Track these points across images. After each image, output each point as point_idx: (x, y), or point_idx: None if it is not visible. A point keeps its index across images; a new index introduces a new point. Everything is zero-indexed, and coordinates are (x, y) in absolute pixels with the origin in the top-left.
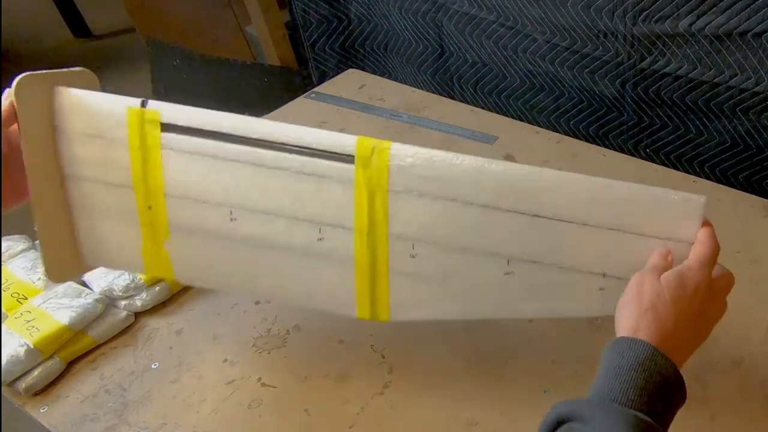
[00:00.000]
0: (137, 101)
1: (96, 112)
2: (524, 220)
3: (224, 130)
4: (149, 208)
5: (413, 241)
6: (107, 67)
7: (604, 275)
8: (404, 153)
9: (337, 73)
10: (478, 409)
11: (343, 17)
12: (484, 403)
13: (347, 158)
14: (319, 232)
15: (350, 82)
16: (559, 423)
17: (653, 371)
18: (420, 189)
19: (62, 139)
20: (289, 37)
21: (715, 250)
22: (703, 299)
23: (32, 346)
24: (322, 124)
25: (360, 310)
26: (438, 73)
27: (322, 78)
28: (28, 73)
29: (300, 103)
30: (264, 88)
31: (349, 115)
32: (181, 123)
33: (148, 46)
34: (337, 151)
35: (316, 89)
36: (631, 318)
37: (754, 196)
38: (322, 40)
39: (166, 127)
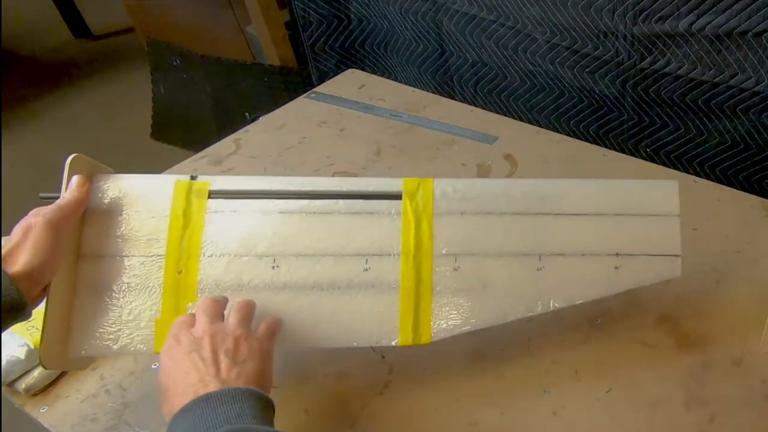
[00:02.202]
0: (186, 176)
1: (140, 190)
2: (549, 220)
3: (274, 188)
4: (179, 272)
5: (455, 255)
6: (107, 67)
7: (617, 255)
8: (446, 183)
9: (337, 73)
10: (478, 409)
11: (343, 17)
12: (484, 403)
13: (395, 195)
14: (366, 263)
15: (350, 82)
16: None
17: (237, 400)
18: (461, 209)
19: (90, 218)
20: (289, 37)
21: (202, 305)
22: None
23: (32, 346)
24: (322, 124)
25: (402, 337)
26: (438, 73)
27: (322, 78)
28: (79, 154)
29: (300, 103)
30: (264, 88)
31: (349, 115)
32: (229, 188)
33: (148, 46)
34: (385, 190)
35: (316, 89)
36: (166, 406)
37: (754, 196)
38: (322, 40)
39: (213, 194)
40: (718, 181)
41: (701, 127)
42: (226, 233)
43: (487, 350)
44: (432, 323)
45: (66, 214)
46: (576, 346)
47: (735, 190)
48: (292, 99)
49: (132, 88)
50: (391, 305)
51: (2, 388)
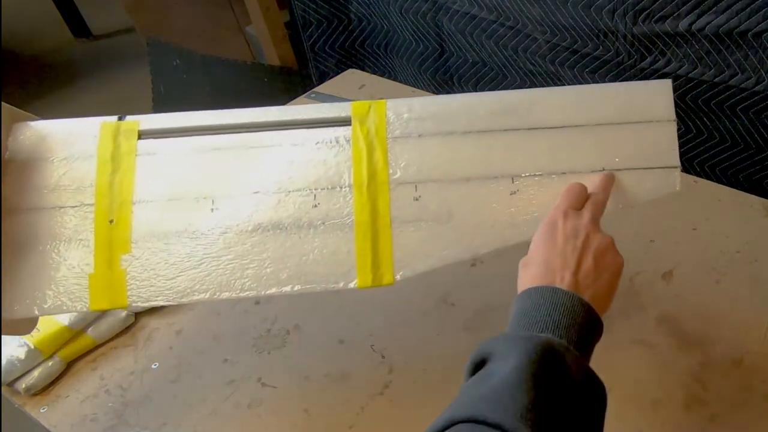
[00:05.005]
0: (113, 117)
1: (62, 136)
2: (521, 136)
3: (209, 124)
4: (111, 221)
5: (416, 183)
6: (107, 67)
7: (603, 170)
8: (400, 103)
9: (337, 73)
10: None
11: (343, 17)
12: None
13: (343, 121)
14: (314, 198)
15: (350, 82)
16: (482, 362)
17: (575, 312)
18: (418, 130)
19: (11, 169)
20: (289, 37)
21: (606, 200)
22: (589, 243)
23: (32, 346)
24: None
25: (361, 278)
26: (438, 73)
27: (322, 78)
28: None
29: (300, 103)
30: (264, 88)
31: None
32: (161, 126)
33: (148, 46)
34: (332, 116)
35: (316, 89)
36: (523, 272)
37: (754, 196)
38: (322, 40)
39: (144, 134)
40: (718, 181)
41: (701, 126)
42: (160, 176)
43: None
44: (393, 261)
45: None
46: None
47: (735, 190)
48: (292, 99)
49: (132, 88)
50: (346, 243)
51: (2, 388)
